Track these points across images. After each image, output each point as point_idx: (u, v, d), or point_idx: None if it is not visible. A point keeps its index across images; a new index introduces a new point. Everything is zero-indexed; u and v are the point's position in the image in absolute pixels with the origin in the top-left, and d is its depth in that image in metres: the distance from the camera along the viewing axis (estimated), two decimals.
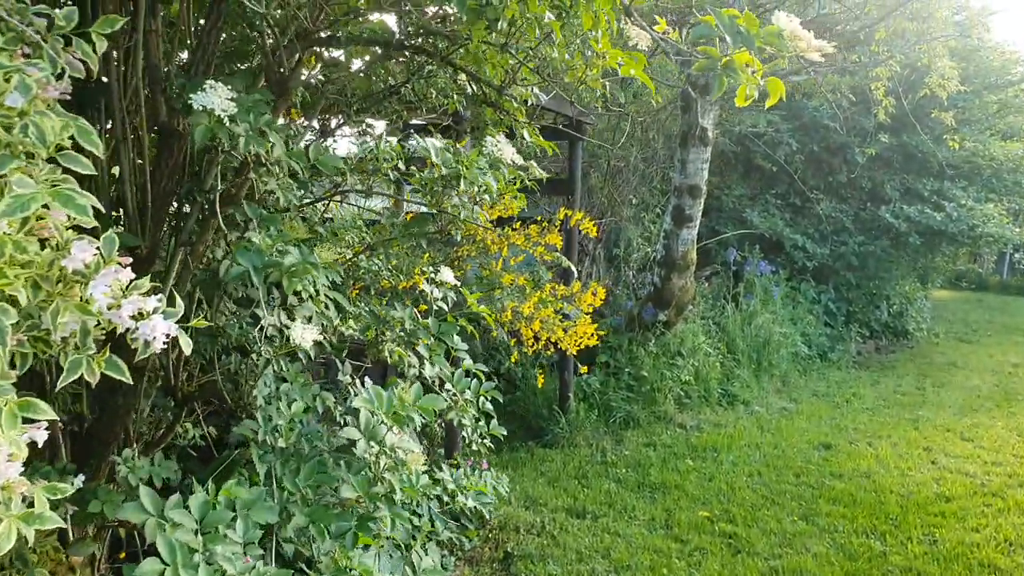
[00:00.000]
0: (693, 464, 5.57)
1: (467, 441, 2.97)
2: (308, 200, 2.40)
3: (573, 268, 4.66)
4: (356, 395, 2.17)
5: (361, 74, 3.14)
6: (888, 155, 10.45)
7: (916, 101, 8.73)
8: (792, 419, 6.78)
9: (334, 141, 3.16)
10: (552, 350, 4.02)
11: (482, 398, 3.10)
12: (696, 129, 6.46)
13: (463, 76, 2.72)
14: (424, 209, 3.32)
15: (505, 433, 4.07)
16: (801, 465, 5.55)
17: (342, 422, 2.45)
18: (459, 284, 2.70)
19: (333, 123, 3.41)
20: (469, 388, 2.87)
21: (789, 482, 5.22)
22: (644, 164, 7.86)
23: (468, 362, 2.91)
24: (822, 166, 10.72)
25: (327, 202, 2.79)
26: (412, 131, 4.44)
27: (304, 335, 1.88)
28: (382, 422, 2.09)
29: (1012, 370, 9.06)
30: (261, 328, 1.91)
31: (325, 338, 2.36)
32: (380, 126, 4.68)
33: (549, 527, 4.37)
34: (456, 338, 2.68)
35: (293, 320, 1.95)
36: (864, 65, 8.12)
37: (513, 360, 3.99)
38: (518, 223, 4.24)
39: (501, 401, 6.34)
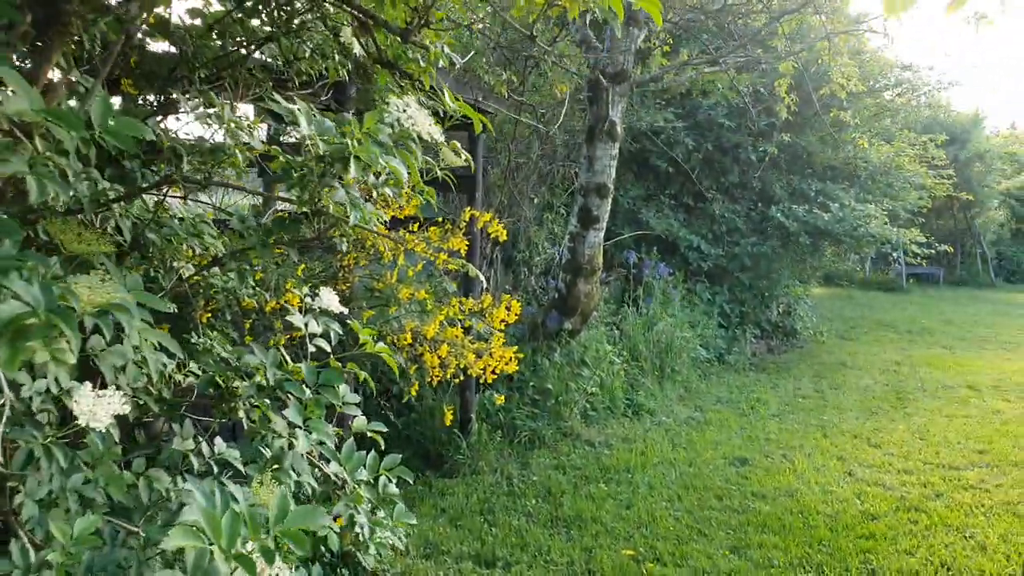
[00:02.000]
0: (607, 489, 5.06)
1: (361, 541, 2.21)
2: (113, 196, 1.62)
3: (481, 277, 4.02)
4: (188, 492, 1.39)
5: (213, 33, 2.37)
6: (777, 156, 10.46)
7: (818, 99, 8.66)
8: (702, 430, 6.43)
9: (177, 120, 2.37)
10: (461, 377, 3.37)
11: (384, 478, 2.33)
12: (604, 123, 5.98)
13: (348, 31, 2.02)
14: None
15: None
16: (721, 486, 5.16)
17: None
18: (345, 312, 1.99)
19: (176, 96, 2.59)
20: (364, 465, 2.14)
21: (712, 507, 4.80)
22: (545, 161, 7.32)
23: (360, 421, 2.19)
24: (715, 166, 10.61)
25: (162, 198, 2.01)
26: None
27: (97, 408, 1.16)
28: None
29: (896, 368, 9.20)
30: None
31: (150, 394, 1.62)
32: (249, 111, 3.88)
33: None
34: (343, 389, 1.97)
35: (83, 382, 1.22)
36: (760, 61, 7.96)
37: (413, 393, 3.29)
38: (415, 225, 3.56)
39: (396, 423, 5.73)
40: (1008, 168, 24.41)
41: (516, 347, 5.78)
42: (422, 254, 3.68)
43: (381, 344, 1.95)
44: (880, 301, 16.24)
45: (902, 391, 7.96)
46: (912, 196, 13.00)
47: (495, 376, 3.30)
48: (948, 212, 20.77)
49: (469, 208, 3.67)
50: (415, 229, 3.58)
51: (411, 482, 3.29)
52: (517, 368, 3.42)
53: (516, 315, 3.52)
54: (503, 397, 3.74)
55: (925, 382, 8.37)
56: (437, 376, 3.12)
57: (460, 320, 3.32)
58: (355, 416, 2.04)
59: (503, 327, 3.52)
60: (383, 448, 2.76)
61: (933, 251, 12.05)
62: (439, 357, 3.09)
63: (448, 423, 3.28)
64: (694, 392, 7.77)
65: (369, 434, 2.16)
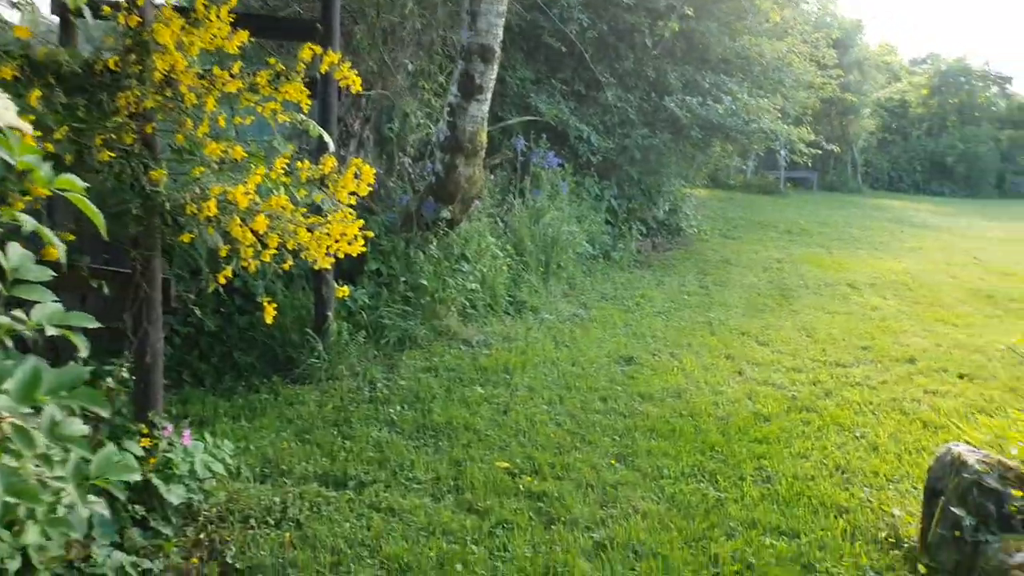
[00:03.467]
0: (484, 392, 4.53)
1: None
2: None
3: (327, 138, 3.22)
4: None
5: None
6: (672, 44, 9.89)
7: None
8: (586, 328, 5.99)
9: None
10: (291, 261, 2.61)
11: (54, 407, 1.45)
12: None
13: None
14: None
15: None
16: (606, 386, 4.73)
17: None
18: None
19: None
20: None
21: (596, 410, 4.36)
22: (423, 23, 6.37)
23: (48, 309, 1.42)
24: (609, 51, 9.91)
25: None
26: None
27: None
28: None
29: (778, 266, 9.12)
30: None
31: None
32: None
33: (294, 510, 3.08)
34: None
35: None
36: None
37: (221, 281, 2.51)
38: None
39: (238, 322, 4.92)
40: (881, 78, 25.10)
41: (376, 232, 5.02)
42: (247, 102, 2.83)
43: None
44: (760, 203, 16.38)
45: (786, 288, 7.83)
46: (801, 95, 12.87)
47: (334, 260, 2.57)
48: (827, 118, 21.14)
49: (308, 45, 2.82)
50: (235, 71, 2.72)
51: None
52: (364, 248, 2.69)
53: (370, 185, 2.77)
54: (347, 289, 3.03)
55: (807, 279, 8.30)
56: (249, 256, 2.36)
57: (291, 187, 2.54)
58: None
59: (353, 201, 2.77)
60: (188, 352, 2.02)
61: (819, 151, 12.01)
62: (254, 232, 2.32)
63: (270, 320, 2.54)
64: (579, 289, 7.33)
65: (63, 333, 1.40)
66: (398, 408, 4.22)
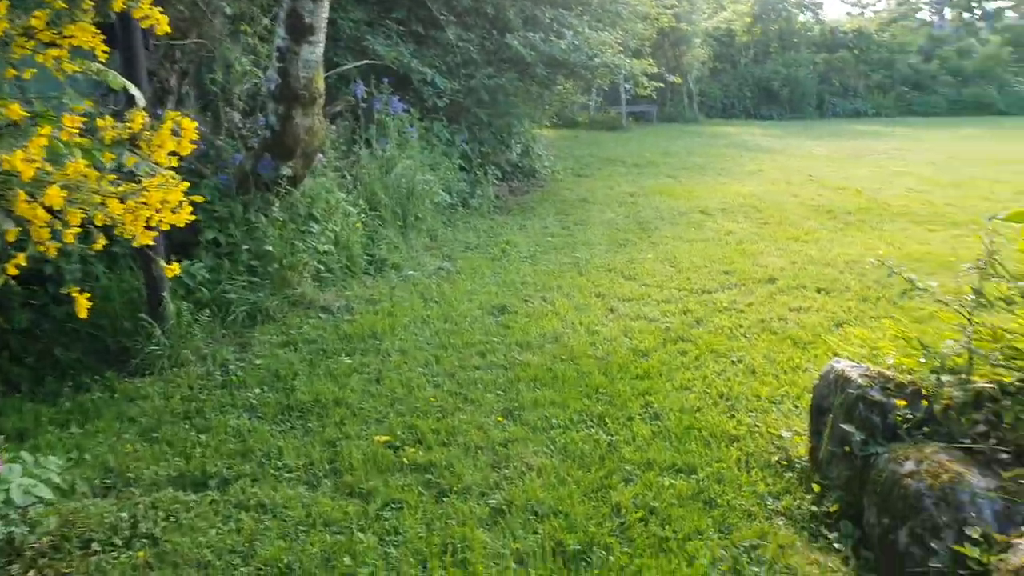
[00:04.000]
0: (351, 362, 4.19)
1: None
2: None
3: (135, 91, 2.71)
4: None
5: None
6: None
7: None
8: (454, 281, 5.74)
9: None
10: (103, 239, 2.16)
11: None
12: None
13: None
14: None
15: None
16: (482, 340, 4.52)
17: None
18: None
19: None
20: None
21: (475, 366, 4.14)
22: None
23: None
24: None
25: None
26: None
27: None
28: None
29: (633, 200, 9.22)
30: None
31: None
32: None
33: (147, 523, 2.67)
34: None
35: None
36: None
37: (13, 268, 2.03)
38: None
39: (57, 317, 4.26)
40: (708, 9, 26.00)
41: (208, 198, 4.48)
42: (21, 49, 2.31)
43: None
44: (605, 139, 16.61)
45: (643, 221, 7.90)
46: (639, 27, 12.98)
47: (158, 232, 2.14)
48: (661, 49, 21.65)
49: None
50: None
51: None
52: (195, 217, 2.27)
53: (193, 141, 2.33)
54: (177, 266, 2.58)
55: (662, 211, 8.43)
56: (45, 238, 1.90)
57: (91, 150, 2.07)
58: None
59: (175, 163, 2.32)
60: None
61: (662, 84, 12.19)
62: (48, 208, 1.86)
63: (83, 314, 2.09)
64: (441, 240, 7.04)
65: None
66: (257, 391, 3.82)
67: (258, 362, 4.19)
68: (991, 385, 2.99)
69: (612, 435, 3.34)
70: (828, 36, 25.64)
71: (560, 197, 9.48)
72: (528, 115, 10.79)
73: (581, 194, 9.66)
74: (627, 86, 16.44)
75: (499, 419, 3.50)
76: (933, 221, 7.56)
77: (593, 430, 3.39)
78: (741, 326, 4.72)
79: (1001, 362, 2.91)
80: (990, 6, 30.60)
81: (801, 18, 26.22)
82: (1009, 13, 29.21)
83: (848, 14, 31.59)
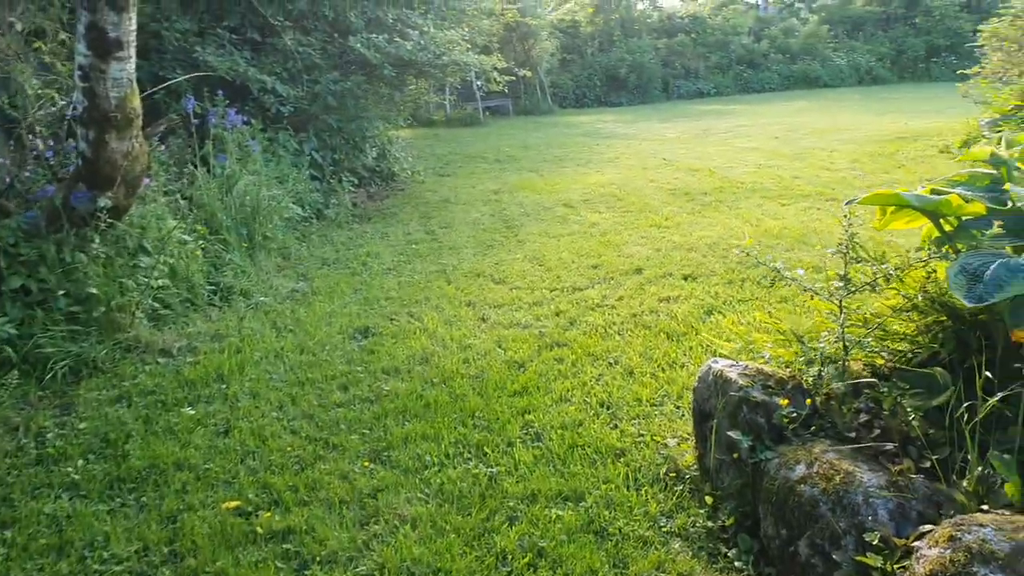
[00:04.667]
0: (195, 413, 3.69)
1: None
2: None
3: None
4: None
5: None
6: None
7: None
8: (310, 304, 5.29)
9: None
10: None
11: None
12: None
13: None
14: None
15: None
16: (344, 370, 4.13)
17: None
18: None
19: None
20: None
21: (337, 402, 3.75)
22: None
23: None
24: None
25: None
26: None
27: None
28: None
29: (496, 197, 9.02)
30: None
31: None
32: None
33: None
34: None
35: None
36: None
37: None
38: None
39: None
40: (552, 2, 26.33)
41: (12, 240, 3.89)
42: None
43: None
44: (464, 136, 16.39)
45: (508, 219, 7.71)
46: (484, 23, 12.81)
47: None
48: (509, 44, 21.66)
49: None
50: None
51: None
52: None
53: None
54: None
55: (526, 206, 8.27)
56: None
57: None
58: None
59: None
60: None
61: (513, 78, 12.05)
62: None
63: None
64: (295, 258, 6.54)
65: None
66: (80, 462, 3.27)
67: (83, 426, 3.61)
68: (865, 370, 2.95)
69: (492, 467, 3.07)
70: (666, 22, 26.60)
71: (422, 199, 9.14)
72: (382, 117, 10.36)
73: (444, 195, 9.36)
74: (479, 83, 16.26)
75: (365, 464, 3.15)
76: (784, 195, 7.81)
77: (471, 464, 3.10)
78: (614, 323, 4.58)
79: (874, 347, 2.86)
80: None
81: (640, 6, 27.07)
82: None
83: (682, 0, 33.00)
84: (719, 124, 15.33)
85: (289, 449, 3.30)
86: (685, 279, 5.31)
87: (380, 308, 5.13)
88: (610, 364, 4.03)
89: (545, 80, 23.19)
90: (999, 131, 8.21)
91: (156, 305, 4.91)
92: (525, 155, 12.63)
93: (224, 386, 3.99)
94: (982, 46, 9.53)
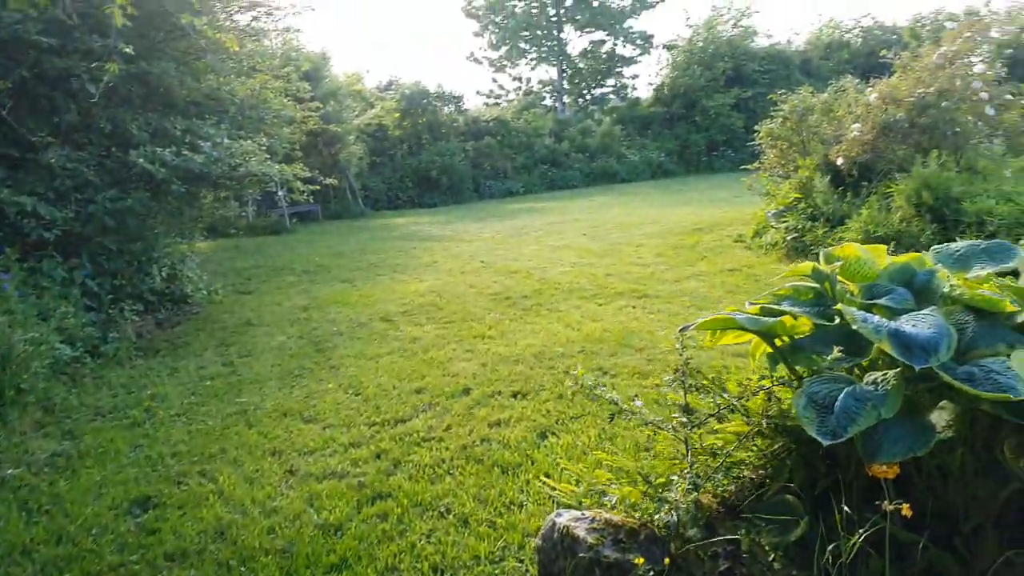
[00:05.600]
0: None
1: None
2: None
3: None
4: None
5: None
6: (127, 89, 8.34)
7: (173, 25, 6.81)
8: (75, 471, 4.36)
9: None
10: None
11: None
12: None
13: None
14: None
15: None
16: (115, 561, 3.31)
17: None
18: None
19: None
20: None
21: None
22: None
23: None
24: (42, 102, 7.93)
25: None
26: None
27: None
28: None
29: (306, 315, 8.38)
30: None
31: None
32: None
33: None
34: None
35: None
36: None
37: None
38: None
39: None
40: (357, 107, 26.43)
41: None
42: None
43: None
44: (270, 245, 15.56)
45: (320, 340, 7.09)
46: (285, 131, 12.35)
47: None
48: (315, 149, 21.28)
49: None
50: None
51: None
52: None
53: None
54: None
55: (339, 324, 7.70)
56: None
57: None
58: None
59: None
60: None
61: (319, 186, 11.60)
62: None
63: None
64: (61, 410, 5.50)
65: None
66: None
67: None
68: (716, 503, 2.71)
69: None
70: (472, 125, 27.57)
71: (220, 323, 8.27)
72: (175, 232, 9.46)
73: (245, 316, 8.55)
74: (281, 193, 15.63)
75: None
76: (600, 295, 7.85)
77: None
78: (443, 460, 4.12)
79: (724, 484, 2.63)
80: (597, 92, 35.65)
81: (446, 111, 27.89)
82: (612, 97, 34.21)
83: (486, 104, 34.57)
84: (531, 222, 15.71)
85: None
86: (515, 396, 4.99)
87: (165, 469, 4.32)
88: (442, 514, 3.54)
89: (355, 184, 22.95)
90: (784, 221, 8.90)
91: None
92: (337, 264, 12.08)
93: None
94: (759, 144, 10.45)
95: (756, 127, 10.65)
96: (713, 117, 28.28)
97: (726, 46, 29.46)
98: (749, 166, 10.82)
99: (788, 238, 8.76)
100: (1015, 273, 2.61)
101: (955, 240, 6.90)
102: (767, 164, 10.30)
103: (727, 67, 28.75)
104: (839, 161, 8.59)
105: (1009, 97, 8.09)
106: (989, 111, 7.82)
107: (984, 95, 7.78)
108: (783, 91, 10.42)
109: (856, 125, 8.40)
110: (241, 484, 4.03)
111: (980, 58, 8.11)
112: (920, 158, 7.76)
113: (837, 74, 15.08)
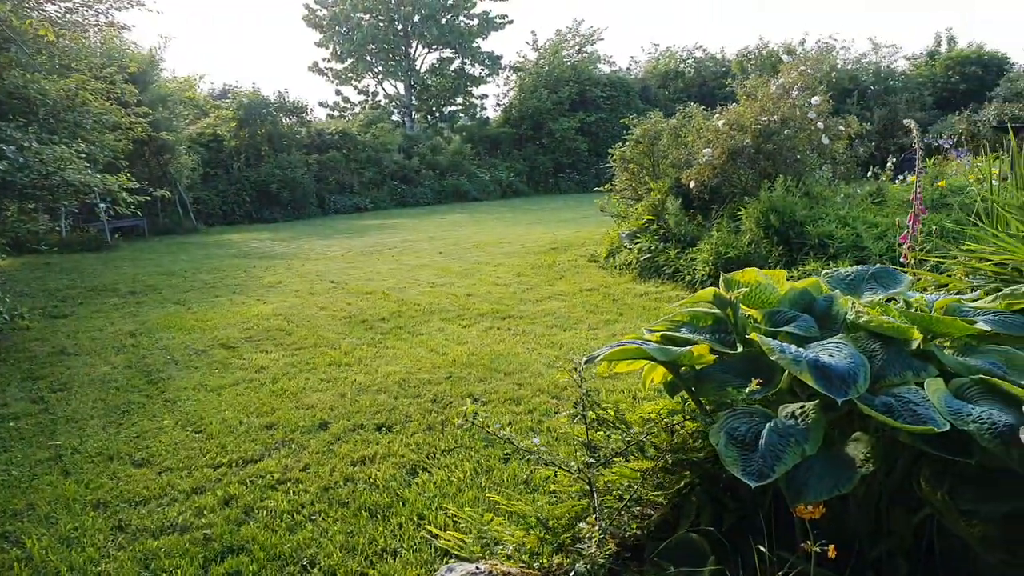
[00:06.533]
0: None
1: None
2: None
3: None
4: None
5: None
6: None
7: None
8: None
9: None
10: None
11: None
12: None
13: None
14: None
15: None
16: None
17: None
18: None
19: None
20: None
21: None
22: None
23: None
24: None
25: None
26: None
27: None
28: None
29: (134, 342, 7.49)
30: None
31: None
32: None
33: None
34: None
35: None
36: None
37: None
38: None
39: None
40: (189, 114, 24.70)
41: None
42: None
43: None
44: (88, 263, 14.01)
45: (151, 371, 6.32)
46: (108, 137, 11.20)
47: None
48: (142, 159, 19.59)
49: None
50: None
51: None
52: None
53: None
54: None
55: (173, 352, 6.93)
56: None
57: None
58: None
59: None
60: None
61: (148, 197, 10.56)
62: None
63: None
64: None
65: None
66: None
67: None
68: (615, 543, 2.52)
69: None
70: (316, 138, 26.58)
71: (26, 352, 7.21)
72: None
73: (59, 343, 7.52)
74: (104, 204, 14.17)
75: None
76: (462, 316, 7.61)
77: None
78: (303, 505, 3.69)
79: (632, 526, 2.44)
80: (447, 110, 35.65)
81: (287, 121, 26.72)
82: (461, 115, 34.32)
83: (330, 116, 33.55)
84: (384, 240, 15.23)
85: None
86: (379, 430, 4.61)
87: None
88: (305, 568, 3.13)
89: (187, 196, 21.36)
90: (637, 242, 9.09)
91: None
92: (168, 284, 11.03)
93: None
94: (611, 166, 10.68)
95: (609, 150, 10.89)
96: (559, 140, 29.07)
97: (571, 71, 30.44)
98: (601, 188, 11.03)
99: (641, 258, 8.96)
100: (892, 299, 2.64)
101: (800, 262, 7.30)
102: (619, 186, 10.54)
103: (572, 91, 29.70)
104: (691, 184, 8.92)
105: (841, 128, 8.76)
106: (824, 140, 8.42)
107: (820, 124, 8.37)
108: (634, 115, 10.74)
109: (707, 150, 8.75)
110: (56, 547, 3.39)
111: (811, 91, 8.72)
112: (766, 183, 8.20)
113: (673, 102, 15.90)
